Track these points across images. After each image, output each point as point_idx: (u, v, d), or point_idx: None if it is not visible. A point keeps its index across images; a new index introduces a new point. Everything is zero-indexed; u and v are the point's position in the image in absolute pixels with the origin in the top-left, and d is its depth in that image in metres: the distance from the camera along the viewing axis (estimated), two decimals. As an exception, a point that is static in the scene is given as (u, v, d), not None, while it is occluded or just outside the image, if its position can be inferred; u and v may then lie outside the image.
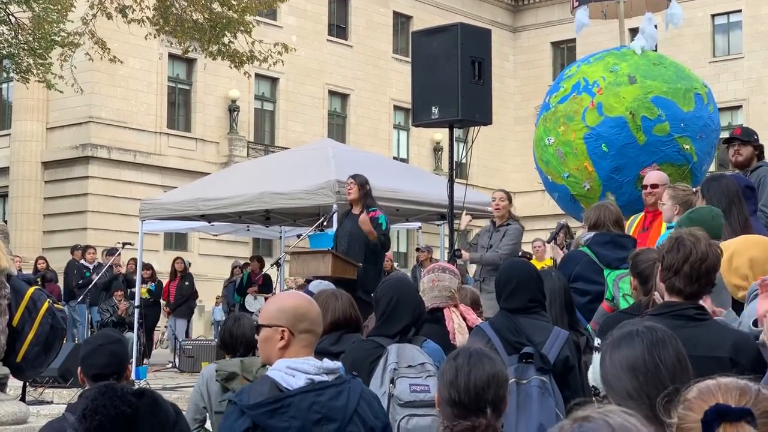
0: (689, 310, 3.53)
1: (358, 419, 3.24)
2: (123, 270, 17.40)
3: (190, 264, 19.06)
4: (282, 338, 3.30)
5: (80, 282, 17.01)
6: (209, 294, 25.33)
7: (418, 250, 17.00)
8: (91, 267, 17.29)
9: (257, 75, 29.81)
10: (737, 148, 7.44)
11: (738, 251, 4.47)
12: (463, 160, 18.16)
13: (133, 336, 14.56)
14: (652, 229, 7.08)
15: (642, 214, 7.39)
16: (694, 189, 6.26)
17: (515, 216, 9.59)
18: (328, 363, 3.30)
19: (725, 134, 8.82)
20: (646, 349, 2.53)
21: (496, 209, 9.50)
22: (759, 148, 7.45)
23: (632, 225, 7.29)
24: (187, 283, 18.10)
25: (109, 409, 2.91)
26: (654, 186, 7.27)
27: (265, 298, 16.34)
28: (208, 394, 5.44)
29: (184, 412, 3.62)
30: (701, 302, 3.65)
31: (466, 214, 9.73)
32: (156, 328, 19.09)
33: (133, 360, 13.56)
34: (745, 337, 3.65)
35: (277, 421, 3.13)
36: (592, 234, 6.65)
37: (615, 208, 6.95)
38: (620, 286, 6.03)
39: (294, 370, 3.22)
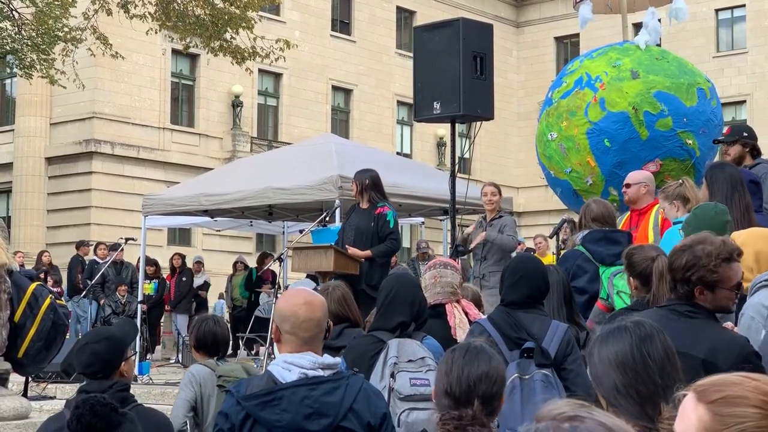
0: (681, 306, 3.56)
1: (353, 416, 3.25)
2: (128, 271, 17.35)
3: (200, 260, 19.05)
4: (276, 334, 3.38)
5: (87, 278, 16.91)
6: (212, 289, 25.30)
7: (418, 248, 17.17)
8: (101, 262, 17.26)
9: (260, 70, 29.76)
10: (725, 148, 7.39)
11: (744, 243, 4.49)
12: (466, 156, 18.14)
13: (136, 331, 14.53)
14: (639, 227, 7.05)
15: (628, 213, 7.36)
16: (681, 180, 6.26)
17: (504, 208, 9.60)
18: (326, 359, 3.32)
19: (728, 129, 8.78)
20: (635, 345, 2.52)
21: (489, 203, 9.58)
22: (749, 146, 7.32)
23: (619, 225, 7.26)
24: (185, 279, 18.07)
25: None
26: (627, 185, 7.25)
27: (267, 294, 16.37)
28: (202, 396, 5.32)
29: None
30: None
31: (479, 230, 9.77)
32: (161, 323, 19.10)
33: (137, 356, 13.55)
34: (730, 339, 3.54)
35: (269, 414, 3.18)
36: (585, 232, 6.62)
37: (607, 204, 6.91)
38: (615, 283, 6.00)
39: (290, 364, 3.26)
